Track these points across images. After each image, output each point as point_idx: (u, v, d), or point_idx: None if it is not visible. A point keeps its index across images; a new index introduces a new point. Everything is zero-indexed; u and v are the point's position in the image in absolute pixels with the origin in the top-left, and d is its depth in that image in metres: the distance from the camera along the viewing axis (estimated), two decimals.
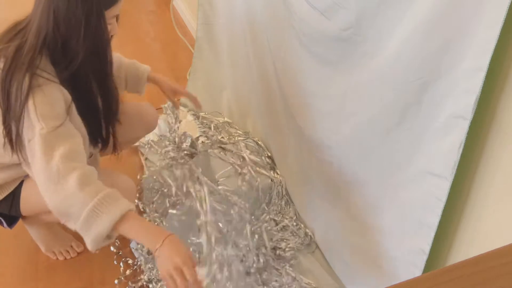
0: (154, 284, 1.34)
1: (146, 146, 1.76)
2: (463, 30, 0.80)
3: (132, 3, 2.87)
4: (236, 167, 1.60)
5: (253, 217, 1.48)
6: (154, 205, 1.54)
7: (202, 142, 1.75)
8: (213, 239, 1.22)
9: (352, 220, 1.28)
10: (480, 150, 0.89)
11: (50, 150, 0.98)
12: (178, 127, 1.73)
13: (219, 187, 1.52)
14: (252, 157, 1.66)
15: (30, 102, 0.99)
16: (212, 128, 1.85)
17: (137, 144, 1.76)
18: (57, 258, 1.43)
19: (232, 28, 1.72)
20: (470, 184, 0.93)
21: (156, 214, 1.51)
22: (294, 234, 1.48)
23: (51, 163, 0.97)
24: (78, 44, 1.02)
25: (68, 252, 1.44)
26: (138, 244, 1.42)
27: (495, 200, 0.88)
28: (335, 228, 1.37)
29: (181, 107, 1.95)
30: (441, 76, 0.87)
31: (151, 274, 1.36)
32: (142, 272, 1.38)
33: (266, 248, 1.39)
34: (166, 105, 1.78)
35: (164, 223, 1.46)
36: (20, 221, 1.33)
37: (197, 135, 1.79)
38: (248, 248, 1.36)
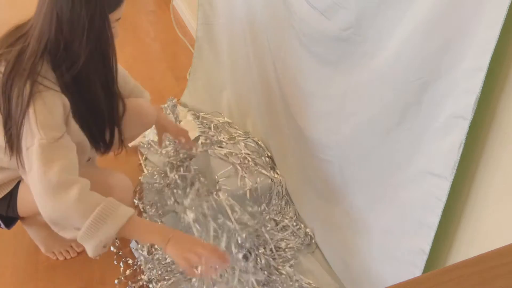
0: (154, 284, 1.34)
1: (146, 146, 1.76)
2: (463, 30, 0.80)
3: (132, 3, 2.87)
4: (237, 167, 1.60)
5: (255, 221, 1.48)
6: (154, 205, 1.54)
7: (202, 142, 1.75)
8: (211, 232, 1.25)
9: (352, 220, 1.28)
10: (480, 150, 0.89)
11: (49, 161, 0.99)
12: None
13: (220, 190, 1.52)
14: (252, 157, 1.66)
15: (31, 110, 0.99)
16: (212, 128, 1.85)
17: (137, 144, 1.76)
18: (57, 258, 1.43)
19: (232, 28, 1.72)
20: (470, 184, 0.93)
21: (156, 214, 1.51)
22: (294, 234, 1.48)
23: (49, 174, 0.98)
24: (81, 47, 1.02)
25: (68, 252, 1.44)
26: (138, 244, 1.42)
27: (495, 200, 0.88)
28: (335, 228, 1.37)
29: (181, 107, 1.95)
30: (441, 76, 0.87)
31: (151, 274, 1.36)
32: (142, 272, 1.38)
33: (266, 248, 1.40)
34: (166, 105, 1.78)
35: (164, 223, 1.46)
36: (19, 222, 1.33)
37: (197, 135, 1.79)
38: (247, 249, 1.36)
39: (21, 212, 1.25)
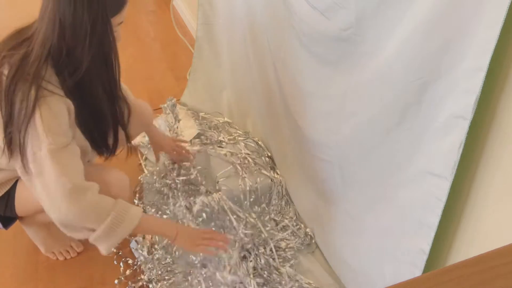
0: (154, 284, 1.34)
1: (146, 146, 1.76)
2: (463, 30, 0.80)
3: (132, 3, 2.85)
4: (237, 167, 1.60)
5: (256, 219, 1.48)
6: (154, 205, 1.54)
7: (202, 142, 1.75)
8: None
9: (352, 220, 1.28)
10: (480, 150, 0.89)
11: (63, 166, 1.02)
12: (177, 127, 1.73)
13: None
14: (252, 157, 1.66)
15: (37, 116, 0.99)
16: (212, 128, 1.85)
17: (137, 144, 1.76)
18: (57, 258, 1.43)
19: (232, 28, 1.72)
20: (470, 184, 0.93)
21: (155, 214, 1.51)
22: (294, 234, 1.48)
23: (64, 179, 1.01)
24: (83, 52, 1.01)
25: (68, 252, 1.44)
26: (138, 244, 1.42)
27: (495, 200, 0.88)
28: (335, 228, 1.37)
29: (181, 107, 1.95)
30: (441, 76, 0.87)
31: (151, 274, 1.36)
32: (142, 272, 1.38)
33: (266, 248, 1.40)
34: (165, 105, 1.78)
35: None
36: (18, 222, 1.33)
37: (196, 133, 1.79)
38: (247, 250, 1.36)
39: (19, 211, 1.25)
